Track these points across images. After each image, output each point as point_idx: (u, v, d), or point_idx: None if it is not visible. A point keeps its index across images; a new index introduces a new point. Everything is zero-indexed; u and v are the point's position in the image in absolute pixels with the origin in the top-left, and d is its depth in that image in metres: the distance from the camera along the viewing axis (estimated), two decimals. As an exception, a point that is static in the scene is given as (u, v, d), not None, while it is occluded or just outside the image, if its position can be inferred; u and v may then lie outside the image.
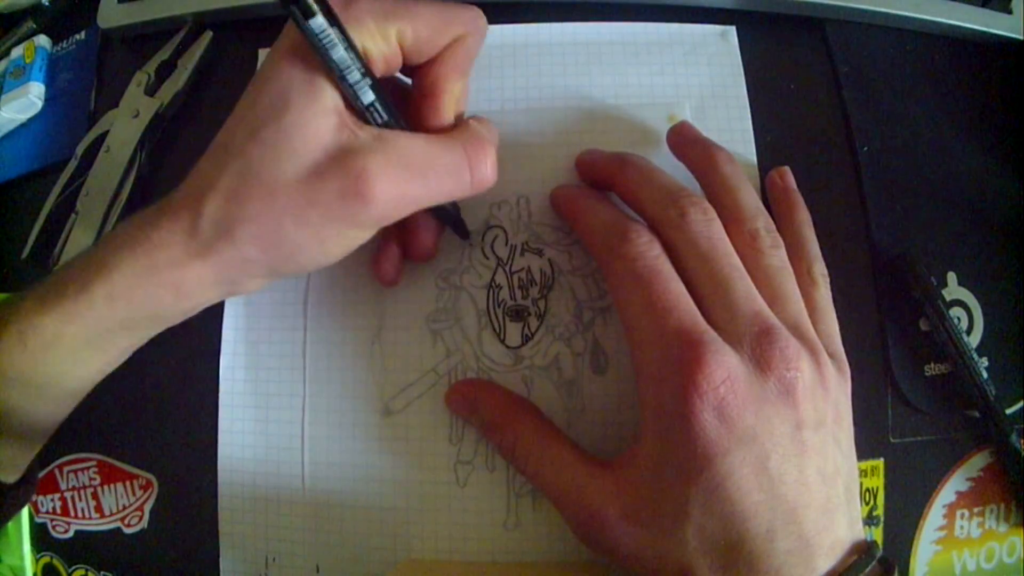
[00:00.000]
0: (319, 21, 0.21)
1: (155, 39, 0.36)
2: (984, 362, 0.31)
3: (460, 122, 0.26)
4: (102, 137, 0.34)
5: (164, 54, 0.35)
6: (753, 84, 0.33)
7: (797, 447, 0.22)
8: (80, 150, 0.35)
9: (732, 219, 0.26)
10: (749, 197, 0.27)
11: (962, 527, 0.31)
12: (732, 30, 0.34)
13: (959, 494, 0.31)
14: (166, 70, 0.35)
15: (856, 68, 0.34)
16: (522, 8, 0.34)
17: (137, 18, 0.36)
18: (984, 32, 0.34)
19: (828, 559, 0.22)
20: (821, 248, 0.30)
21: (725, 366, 0.22)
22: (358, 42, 0.22)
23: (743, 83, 0.33)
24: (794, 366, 0.22)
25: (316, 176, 0.22)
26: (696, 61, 0.33)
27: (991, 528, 0.31)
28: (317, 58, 0.22)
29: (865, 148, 0.32)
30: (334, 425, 0.30)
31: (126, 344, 0.26)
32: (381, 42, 0.23)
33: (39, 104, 0.38)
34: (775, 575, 0.21)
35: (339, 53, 0.22)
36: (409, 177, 0.23)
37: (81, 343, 0.24)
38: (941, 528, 0.31)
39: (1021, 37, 0.34)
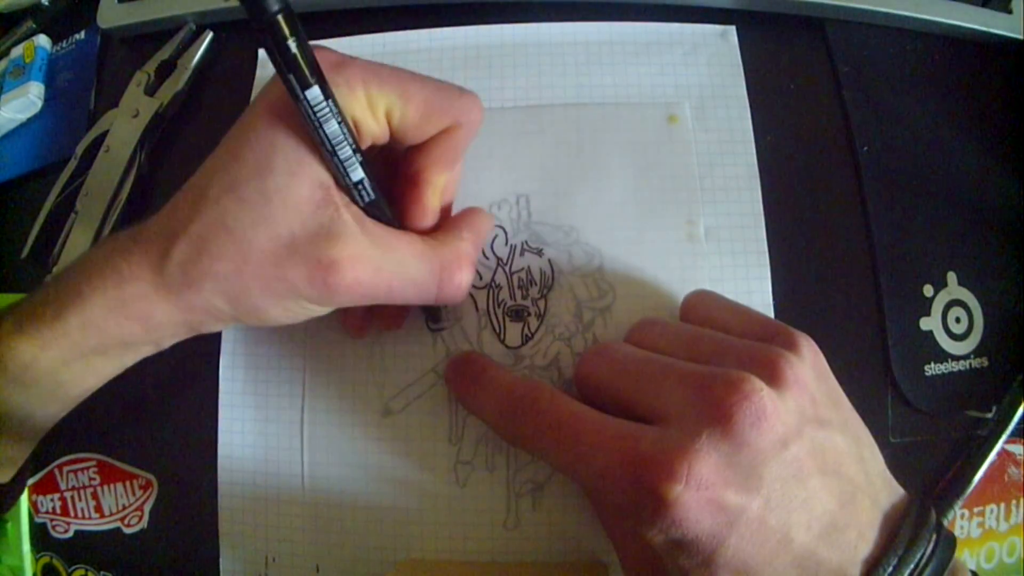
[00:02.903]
0: (315, 93, 0.20)
1: (155, 39, 0.36)
2: (984, 362, 0.31)
3: (446, 225, 0.26)
4: (102, 137, 0.34)
5: (164, 54, 0.35)
6: (753, 84, 0.33)
7: (791, 469, 0.21)
8: (80, 150, 0.35)
9: None
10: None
11: (962, 527, 0.31)
12: (732, 30, 0.34)
13: (959, 494, 0.31)
14: (166, 70, 0.35)
15: (856, 68, 0.34)
16: (522, 8, 0.34)
17: (137, 18, 0.36)
18: (984, 32, 0.34)
19: (864, 546, 0.21)
20: (821, 248, 0.30)
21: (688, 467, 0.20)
22: (348, 112, 0.22)
23: (743, 83, 0.33)
24: (743, 401, 0.21)
25: (288, 251, 0.22)
26: (696, 61, 0.33)
27: (991, 528, 0.31)
28: (306, 128, 0.21)
29: (865, 148, 0.32)
30: (334, 425, 0.30)
31: (106, 370, 0.26)
32: (370, 116, 0.23)
33: (39, 104, 0.38)
34: None
35: (332, 127, 0.21)
36: (377, 279, 0.23)
37: (59, 366, 0.24)
38: (941, 528, 0.31)
39: (1021, 37, 0.34)
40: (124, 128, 0.34)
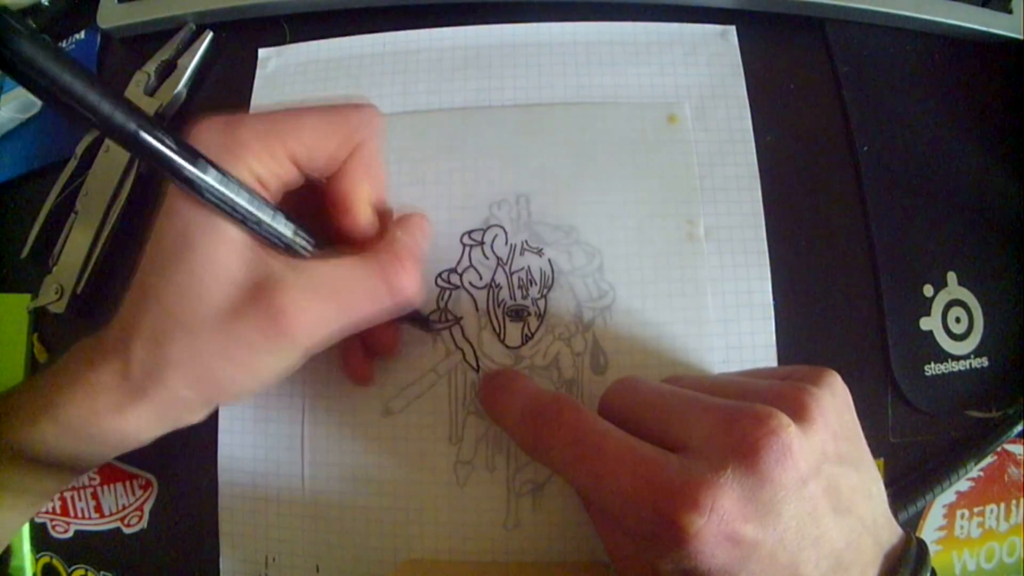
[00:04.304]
0: (211, 181, 0.20)
1: (155, 39, 0.36)
2: (984, 362, 0.31)
3: (383, 231, 0.26)
4: (102, 137, 0.34)
5: (164, 54, 0.35)
6: (753, 84, 0.33)
7: (808, 507, 0.21)
8: (80, 150, 0.34)
9: None
10: None
11: (962, 527, 0.31)
12: (732, 30, 0.34)
13: (959, 494, 0.31)
14: (166, 70, 0.35)
15: (856, 68, 0.34)
16: (522, 8, 0.34)
17: (137, 18, 0.36)
18: (984, 32, 0.34)
19: None
20: (821, 248, 0.30)
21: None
22: (249, 170, 0.22)
23: (743, 83, 0.33)
24: (769, 436, 0.21)
25: (234, 315, 0.22)
26: (696, 61, 0.33)
27: (991, 528, 0.31)
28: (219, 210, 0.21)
29: (865, 148, 0.32)
30: (334, 425, 0.30)
31: (86, 465, 0.26)
32: (272, 163, 0.23)
33: (39, 104, 0.38)
34: None
35: (242, 200, 0.21)
36: (327, 307, 0.23)
37: (40, 463, 0.24)
38: (941, 528, 0.31)
39: (1021, 37, 0.34)
40: (124, 128, 0.34)
